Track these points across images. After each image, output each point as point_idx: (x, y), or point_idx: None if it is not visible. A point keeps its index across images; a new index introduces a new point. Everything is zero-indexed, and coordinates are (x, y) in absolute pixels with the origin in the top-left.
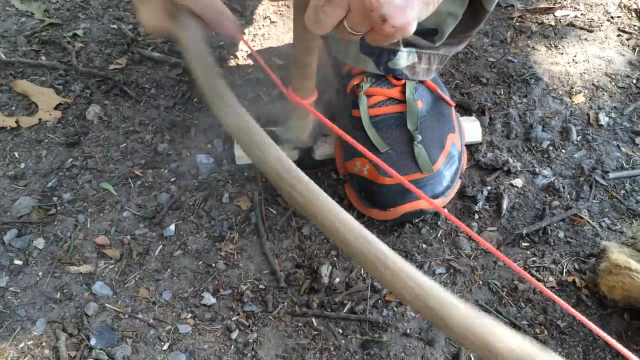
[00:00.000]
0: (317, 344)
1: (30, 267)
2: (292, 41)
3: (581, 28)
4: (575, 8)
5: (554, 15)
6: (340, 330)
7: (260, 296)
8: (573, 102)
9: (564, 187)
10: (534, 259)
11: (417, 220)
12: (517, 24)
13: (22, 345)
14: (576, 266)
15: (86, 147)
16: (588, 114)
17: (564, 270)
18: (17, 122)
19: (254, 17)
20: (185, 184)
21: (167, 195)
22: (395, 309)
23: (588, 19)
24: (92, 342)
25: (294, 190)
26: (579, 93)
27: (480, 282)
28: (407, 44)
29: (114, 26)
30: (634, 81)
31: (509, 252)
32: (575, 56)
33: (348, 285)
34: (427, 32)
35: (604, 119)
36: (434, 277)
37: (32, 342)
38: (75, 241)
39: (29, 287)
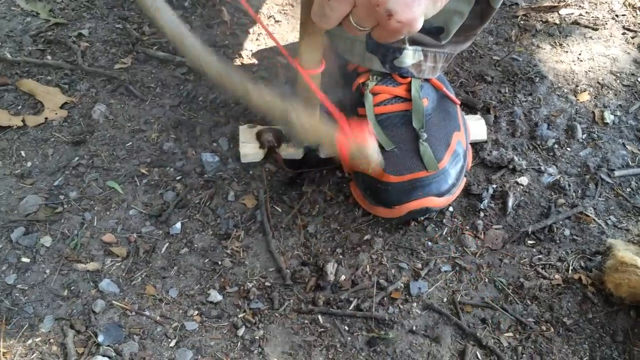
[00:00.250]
0: (323, 341)
1: (38, 264)
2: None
3: (586, 26)
4: (580, 6)
5: (559, 14)
6: (347, 328)
7: (267, 293)
8: (578, 100)
9: (569, 185)
10: (539, 256)
11: (422, 218)
12: (522, 22)
13: (30, 341)
14: (582, 264)
15: (92, 145)
16: (593, 112)
17: (570, 268)
18: (23, 121)
19: (259, 16)
20: (191, 183)
21: (173, 194)
22: (401, 306)
23: (593, 17)
24: (100, 338)
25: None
26: (584, 91)
27: (486, 280)
28: (413, 42)
29: (119, 26)
30: (639, 79)
31: (515, 249)
32: (580, 54)
33: (354, 283)
34: (433, 30)
35: (609, 117)
36: (439, 275)
37: (39, 338)
38: (82, 239)
39: (37, 285)
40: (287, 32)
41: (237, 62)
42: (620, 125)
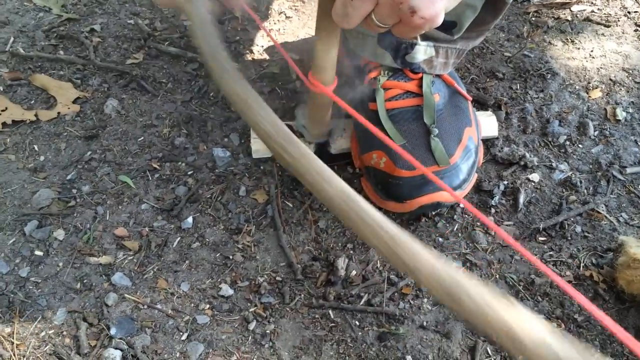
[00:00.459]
0: (334, 336)
1: (51, 257)
2: (307, 36)
3: (598, 23)
4: (592, 3)
5: (571, 10)
6: (357, 323)
7: (278, 288)
8: (590, 97)
9: (581, 182)
10: (550, 253)
11: (433, 214)
12: (534, 18)
13: (43, 334)
14: (593, 260)
15: (104, 140)
16: (605, 109)
17: (581, 265)
18: (36, 115)
19: (269, 12)
20: (202, 177)
21: (184, 188)
22: (411, 301)
23: (605, 14)
24: (112, 331)
25: (284, 151)
26: (596, 88)
27: (497, 276)
28: (425, 37)
29: (131, 21)
30: None
31: (526, 246)
32: (592, 51)
33: (365, 278)
34: (446, 25)
35: (621, 114)
36: None
37: (53, 331)
38: (94, 233)
39: (50, 278)
40: (298, 28)
41: (248, 57)
42: (633, 122)
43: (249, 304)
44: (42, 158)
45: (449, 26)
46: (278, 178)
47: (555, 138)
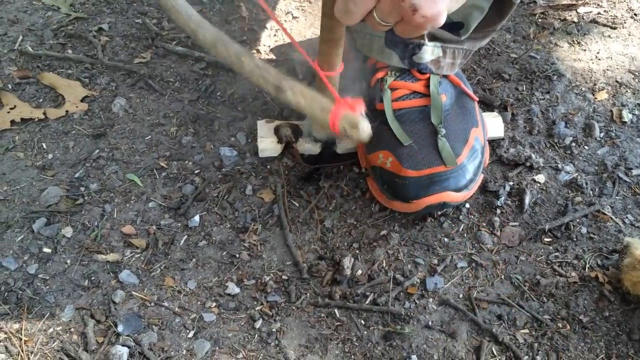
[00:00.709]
0: (339, 335)
1: (59, 255)
2: (314, 36)
3: (604, 25)
4: (598, 5)
5: (577, 12)
6: (363, 322)
7: (284, 287)
8: (596, 98)
9: (586, 183)
10: (556, 254)
11: (439, 214)
12: (540, 20)
13: (51, 330)
14: (599, 262)
15: (112, 138)
16: (611, 111)
17: (587, 266)
18: (44, 113)
19: (276, 12)
20: (209, 176)
21: (191, 187)
22: (417, 301)
23: (611, 15)
24: (120, 328)
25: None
26: (602, 90)
27: (502, 277)
28: (432, 38)
29: (139, 20)
30: None
31: (531, 247)
32: (598, 53)
33: (370, 277)
34: (453, 26)
35: (627, 116)
36: (455, 271)
37: (60, 327)
38: (102, 230)
39: (58, 275)
40: (305, 28)
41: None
42: (638, 124)
43: (255, 303)
44: (50, 156)
45: (456, 27)
46: (284, 177)
47: (561, 139)
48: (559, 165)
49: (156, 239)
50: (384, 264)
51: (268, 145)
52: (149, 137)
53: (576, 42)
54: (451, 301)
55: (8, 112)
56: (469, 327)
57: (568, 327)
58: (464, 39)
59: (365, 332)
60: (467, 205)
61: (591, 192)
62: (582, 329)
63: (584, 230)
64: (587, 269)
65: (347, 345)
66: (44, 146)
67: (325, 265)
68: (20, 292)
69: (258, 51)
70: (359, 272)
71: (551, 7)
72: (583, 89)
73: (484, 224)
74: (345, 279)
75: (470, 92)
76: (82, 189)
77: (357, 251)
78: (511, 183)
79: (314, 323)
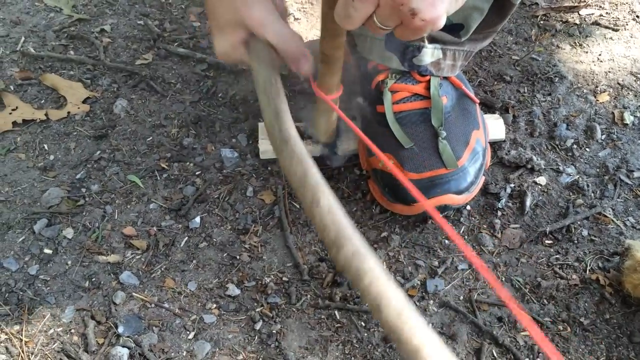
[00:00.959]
0: (339, 336)
1: (60, 256)
2: (315, 38)
3: (606, 27)
4: (600, 7)
5: (579, 14)
6: (363, 323)
7: (284, 288)
8: (598, 100)
9: (588, 186)
10: (557, 256)
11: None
12: (542, 22)
13: (51, 331)
14: (600, 264)
15: (113, 140)
16: (613, 113)
17: (588, 268)
18: (46, 114)
19: None
20: (210, 178)
21: (192, 188)
22: (417, 303)
23: (613, 17)
24: (120, 329)
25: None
26: (604, 92)
27: (503, 279)
28: (432, 40)
29: (141, 22)
30: None
31: (532, 249)
32: (600, 55)
33: None
34: (453, 27)
35: (629, 118)
36: (456, 273)
37: (61, 328)
38: (103, 231)
39: (59, 276)
40: (307, 30)
41: None
42: None
43: (255, 304)
44: (51, 157)
45: (456, 28)
46: (285, 179)
47: (563, 141)
48: (560, 168)
49: (157, 240)
50: (385, 266)
51: (269, 146)
52: (150, 138)
53: (578, 44)
54: (452, 303)
55: (10, 113)
56: (470, 329)
57: (569, 329)
58: (464, 40)
59: (366, 334)
60: (468, 208)
61: (592, 195)
62: (583, 331)
63: (585, 232)
64: (588, 272)
65: (347, 347)
66: (46, 147)
67: (326, 267)
68: (21, 293)
69: None
70: None
71: (553, 9)
72: (585, 91)
73: (485, 226)
74: (345, 281)
75: (471, 94)
76: (83, 190)
77: None
78: (512, 185)
79: (314, 325)
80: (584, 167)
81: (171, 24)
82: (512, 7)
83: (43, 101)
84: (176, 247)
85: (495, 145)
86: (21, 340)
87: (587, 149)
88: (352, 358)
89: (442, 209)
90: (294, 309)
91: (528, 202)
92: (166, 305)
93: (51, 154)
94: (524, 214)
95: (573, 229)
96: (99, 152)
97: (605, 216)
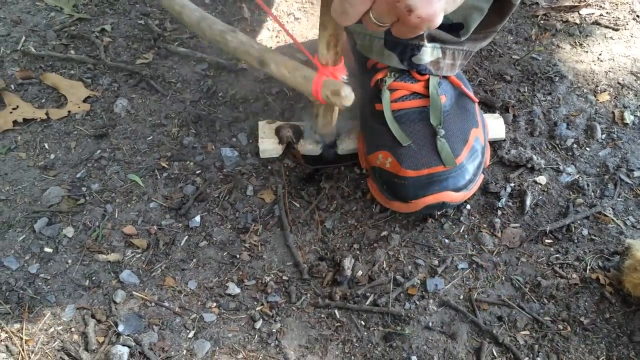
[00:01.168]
0: (339, 335)
1: (60, 254)
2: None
3: (606, 26)
4: (601, 6)
5: (579, 14)
6: (363, 323)
7: (284, 287)
8: (598, 100)
9: (588, 185)
10: (557, 255)
11: (439, 215)
12: (542, 21)
13: (51, 330)
14: (600, 263)
15: (114, 139)
16: (613, 113)
17: (588, 268)
18: (47, 114)
19: (278, 13)
20: (210, 177)
21: (192, 187)
22: (417, 302)
23: (613, 17)
24: (120, 328)
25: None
26: (604, 91)
27: (503, 278)
28: (432, 39)
29: (141, 21)
30: None
31: (532, 248)
32: (600, 54)
33: (370, 278)
34: (453, 27)
35: (629, 118)
36: (456, 272)
37: (61, 327)
38: (103, 230)
39: (59, 274)
40: (307, 29)
41: None
42: None
43: (255, 303)
44: (52, 156)
45: (456, 28)
46: (285, 178)
47: (563, 141)
48: (561, 167)
49: (157, 239)
50: (385, 265)
51: (269, 146)
52: (151, 137)
53: (578, 43)
54: (451, 302)
55: (10, 113)
56: (470, 328)
57: (569, 328)
58: (464, 39)
59: (366, 333)
60: (468, 207)
61: (592, 194)
62: (583, 330)
63: (585, 231)
64: (588, 271)
65: (347, 346)
66: (46, 146)
67: (326, 266)
68: (22, 291)
69: None
70: (360, 273)
71: (553, 9)
72: (585, 90)
73: (485, 225)
74: (345, 280)
75: (470, 93)
76: (84, 189)
77: (358, 252)
78: (512, 184)
79: (314, 324)
80: (584, 167)
81: (172, 23)
82: (512, 7)
83: (44, 100)
84: (176, 246)
85: (495, 145)
86: (21, 338)
87: (587, 149)
88: (352, 357)
89: (440, 206)
90: (294, 308)
91: (528, 201)
92: (166, 304)
93: (52, 153)
94: (524, 213)
95: (573, 228)
96: (99, 151)
97: (606, 215)
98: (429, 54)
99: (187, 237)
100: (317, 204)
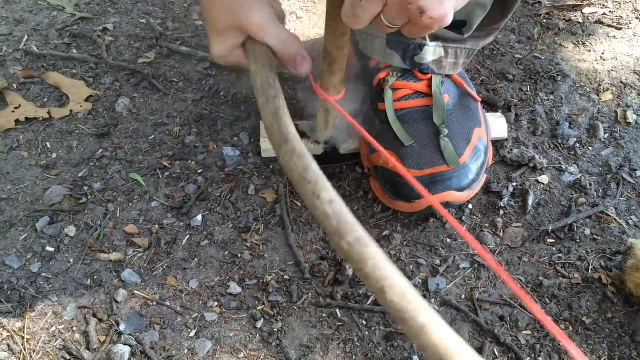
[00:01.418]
0: (341, 335)
1: (62, 253)
2: (318, 36)
3: (609, 25)
4: (604, 5)
5: (582, 13)
6: (364, 322)
7: (285, 287)
8: (601, 99)
9: (590, 185)
10: (559, 255)
11: (441, 214)
12: (545, 21)
13: (53, 329)
14: (602, 263)
15: (116, 138)
16: (616, 112)
17: (590, 267)
18: (49, 113)
19: None
20: (212, 176)
21: (194, 187)
22: None
23: (616, 16)
24: (122, 327)
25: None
26: (607, 90)
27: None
28: (434, 37)
29: (143, 21)
30: None
31: (534, 248)
32: (603, 54)
33: None
34: (455, 24)
35: (632, 117)
36: (458, 272)
37: (63, 326)
38: (105, 229)
39: (61, 273)
40: (309, 28)
41: None
42: None
43: (256, 302)
44: (54, 155)
45: (459, 25)
46: (287, 177)
47: (565, 140)
48: (563, 166)
49: (159, 238)
50: None
51: (271, 145)
52: (153, 136)
53: (581, 42)
54: (453, 302)
55: (13, 112)
56: (471, 328)
57: (571, 328)
58: (467, 37)
59: (367, 333)
60: (470, 206)
61: (595, 194)
62: (585, 330)
63: (587, 231)
64: (590, 271)
65: (348, 346)
66: (48, 145)
67: (327, 266)
68: (23, 290)
69: None
70: None
71: (556, 8)
72: (588, 89)
73: (487, 225)
74: (347, 279)
75: (473, 92)
76: (86, 188)
77: None
78: (514, 184)
79: (315, 323)
80: (586, 166)
81: (174, 22)
82: (514, 3)
83: (46, 99)
84: (178, 245)
85: (497, 144)
86: (23, 337)
87: (589, 148)
88: (353, 357)
89: (444, 206)
90: (295, 308)
91: (530, 200)
92: (168, 303)
93: (54, 152)
94: (526, 213)
95: (575, 228)
96: (101, 150)
97: (608, 215)
98: (431, 53)
99: (188, 236)
100: None
